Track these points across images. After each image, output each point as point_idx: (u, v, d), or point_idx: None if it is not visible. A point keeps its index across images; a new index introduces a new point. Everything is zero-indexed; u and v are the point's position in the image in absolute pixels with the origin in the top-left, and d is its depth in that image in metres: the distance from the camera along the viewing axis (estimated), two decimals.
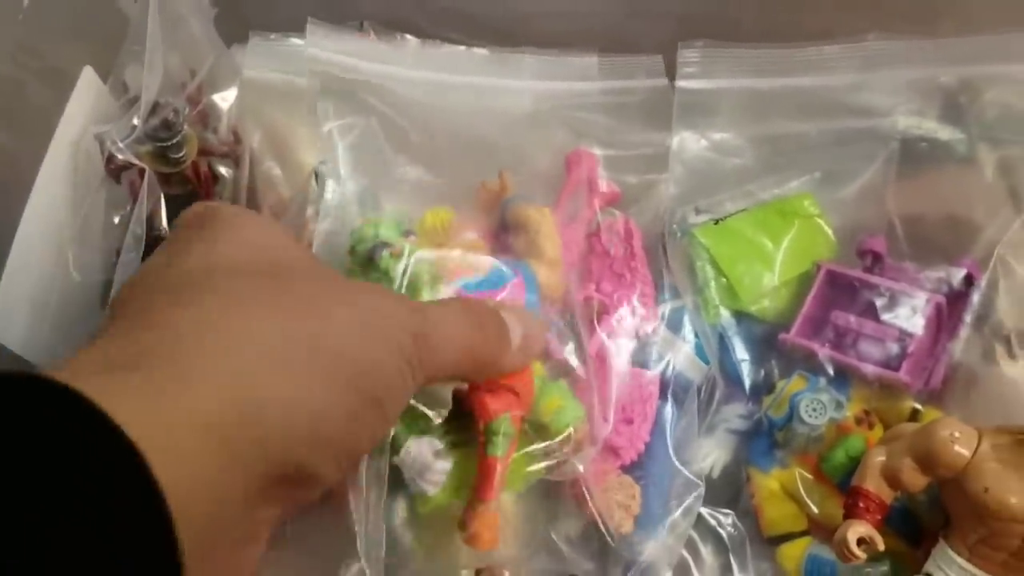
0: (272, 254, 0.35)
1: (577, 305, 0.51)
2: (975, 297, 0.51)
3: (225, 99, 0.57)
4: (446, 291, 0.44)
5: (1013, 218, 0.53)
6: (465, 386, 0.42)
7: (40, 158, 0.54)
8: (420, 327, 0.35)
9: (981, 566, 0.43)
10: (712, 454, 0.53)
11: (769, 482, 0.52)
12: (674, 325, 0.55)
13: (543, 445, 0.44)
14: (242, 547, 0.30)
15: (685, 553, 0.51)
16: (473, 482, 0.42)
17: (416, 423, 0.42)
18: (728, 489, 0.53)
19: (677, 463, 0.52)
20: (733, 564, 0.51)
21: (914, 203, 0.56)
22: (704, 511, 0.52)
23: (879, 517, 0.46)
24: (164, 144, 0.54)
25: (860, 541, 0.44)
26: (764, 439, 0.52)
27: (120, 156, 0.53)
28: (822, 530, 0.50)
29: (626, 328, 0.53)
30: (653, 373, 0.53)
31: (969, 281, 0.51)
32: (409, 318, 0.35)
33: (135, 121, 0.54)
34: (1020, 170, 0.54)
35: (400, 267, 0.44)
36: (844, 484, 0.48)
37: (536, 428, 0.44)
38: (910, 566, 0.47)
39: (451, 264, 0.46)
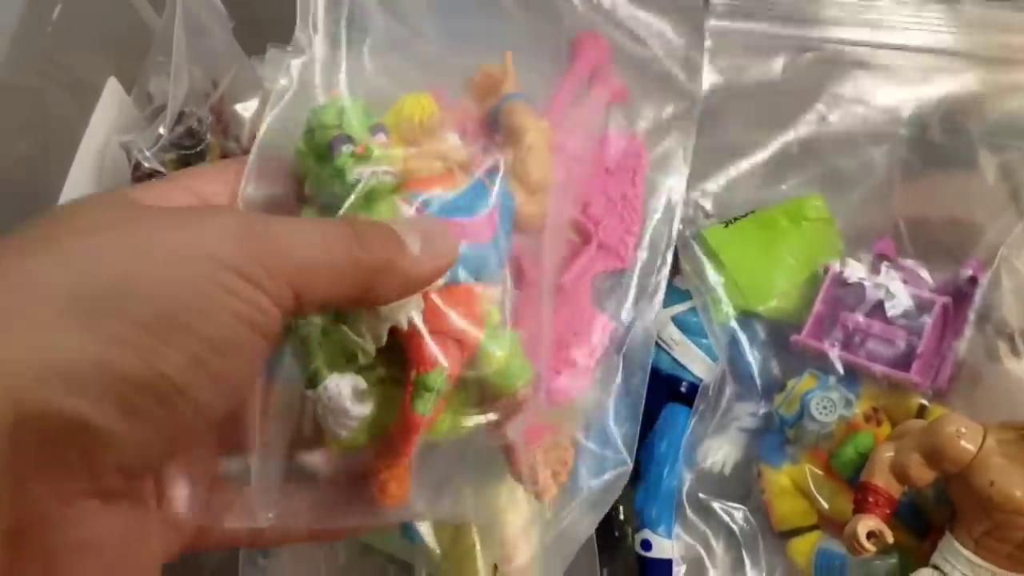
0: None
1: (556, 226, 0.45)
2: (979, 297, 0.52)
3: (247, 109, 0.59)
4: (404, 208, 0.38)
5: (1016, 220, 0.54)
6: (405, 324, 0.37)
7: (66, 167, 0.55)
8: (253, 247, 0.31)
9: (987, 558, 0.44)
10: (724, 451, 0.55)
11: (780, 478, 0.53)
12: (684, 325, 0.57)
13: (478, 410, 0.40)
14: (37, 533, 0.28)
15: (698, 547, 0.53)
16: (391, 428, 0.38)
17: (341, 357, 0.38)
18: (740, 485, 0.55)
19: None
20: (745, 558, 0.53)
21: (919, 206, 0.58)
22: (717, 506, 0.53)
23: (888, 511, 0.47)
24: (188, 152, 0.56)
25: (870, 534, 0.46)
26: (775, 436, 0.54)
27: (147, 164, 0.54)
28: (832, 525, 0.52)
29: (597, 265, 0.48)
30: (606, 318, 0.47)
31: (973, 281, 0.52)
32: (233, 238, 0.31)
33: (161, 130, 0.55)
34: (1021, 173, 0.56)
35: (358, 172, 0.37)
36: (853, 480, 0.50)
37: (475, 382, 0.39)
38: (918, 559, 0.48)
39: (419, 171, 0.39)
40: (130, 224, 0.30)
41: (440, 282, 0.37)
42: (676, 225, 0.51)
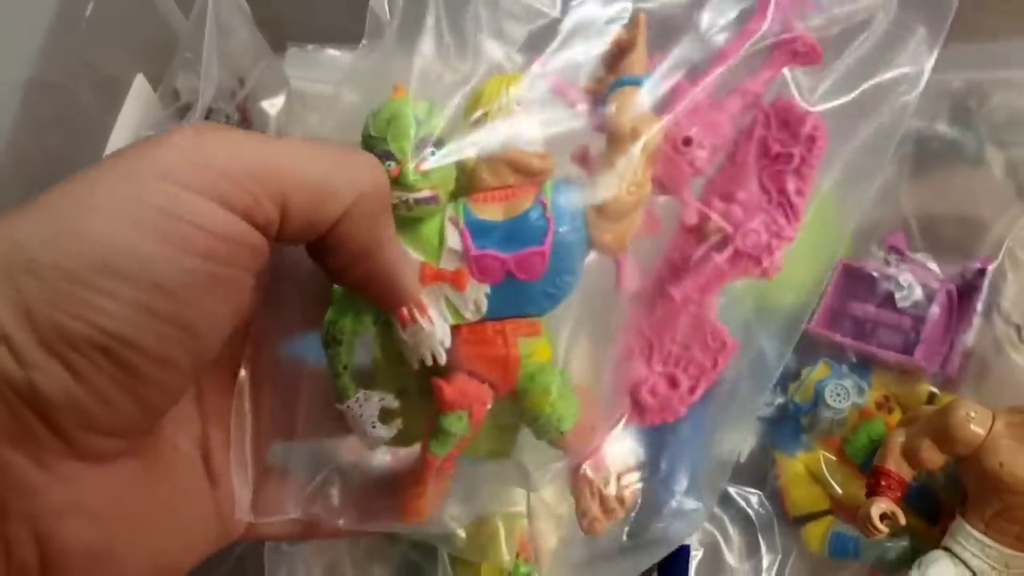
0: None
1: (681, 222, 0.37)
2: (986, 288, 0.54)
3: (273, 106, 0.60)
4: (451, 231, 0.34)
5: (1021, 215, 0.56)
6: (428, 360, 0.34)
7: (95, 162, 0.57)
8: (212, 155, 0.28)
9: (997, 539, 0.46)
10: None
11: (794, 464, 0.55)
12: None
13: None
14: (18, 499, 0.27)
15: (715, 532, 0.54)
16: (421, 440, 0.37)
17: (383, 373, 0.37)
18: (755, 472, 0.56)
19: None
20: (761, 542, 0.54)
21: (927, 201, 0.59)
22: (733, 491, 0.55)
23: (899, 495, 0.48)
24: None
25: (883, 517, 0.47)
26: (789, 424, 0.55)
27: None
28: (845, 509, 0.53)
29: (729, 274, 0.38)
30: (733, 338, 0.38)
31: (982, 273, 0.54)
32: (186, 149, 0.27)
33: None
34: None
35: (395, 195, 0.33)
36: (866, 466, 0.51)
37: (518, 414, 0.37)
38: (929, 542, 0.49)
39: (486, 181, 0.34)
40: (79, 175, 0.27)
41: (469, 318, 0.34)
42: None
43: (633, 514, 0.40)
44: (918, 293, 0.54)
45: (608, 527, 0.38)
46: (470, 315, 0.34)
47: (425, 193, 0.33)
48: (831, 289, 0.56)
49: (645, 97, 0.34)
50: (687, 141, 0.34)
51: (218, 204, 0.27)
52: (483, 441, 0.38)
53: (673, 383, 0.38)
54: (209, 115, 0.56)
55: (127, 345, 0.26)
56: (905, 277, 0.54)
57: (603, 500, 0.37)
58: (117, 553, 0.30)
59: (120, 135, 0.58)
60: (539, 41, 0.37)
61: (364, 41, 0.38)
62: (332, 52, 0.68)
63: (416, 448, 0.37)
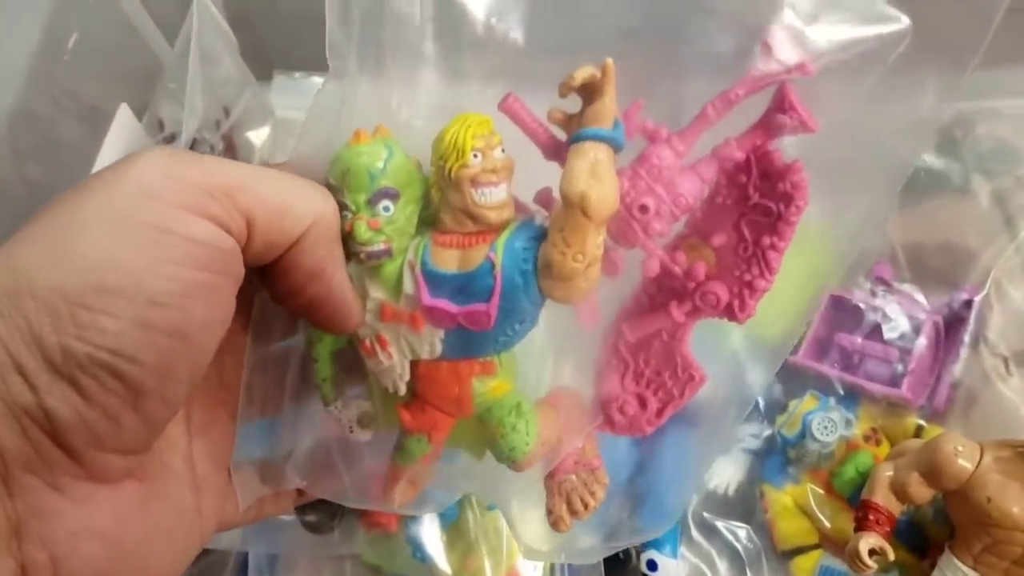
0: None
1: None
2: (973, 320, 0.54)
3: (258, 136, 0.60)
4: (408, 278, 0.34)
5: (1007, 245, 0.56)
6: (390, 388, 0.36)
7: None
8: (186, 170, 0.29)
9: (986, 574, 0.46)
10: (728, 472, 0.56)
11: (782, 498, 0.54)
12: None
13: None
14: (36, 524, 0.28)
15: (703, 566, 0.54)
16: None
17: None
18: (743, 505, 0.56)
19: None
20: None
21: (914, 231, 0.59)
22: (720, 525, 0.54)
23: (888, 529, 0.48)
24: None
25: (871, 551, 0.47)
26: (777, 457, 0.55)
27: None
28: (833, 543, 0.53)
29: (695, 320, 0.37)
30: (702, 372, 0.38)
31: (969, 305, 0.54)
32: (162, 166, 0.29)
33: None
34: (1012, 199, 0.57)
35: (351, 245, 0.34)
36: (854, 499, 0.51)
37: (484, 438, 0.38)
38: None
39: (447, 225, 0.34)
40: (65, 196, 0.28)
41: (425, 357, 0.35)
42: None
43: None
44: (905, 324, 0.54)
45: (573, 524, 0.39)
46: (425, 355, 0.35)
47: (377, 247, 0.33)
48: (818, 320, 0.56)
49: (605, 156, 0.32)
50: (643, 208, 0.33)
51: (197, 215, 0.29)
52: (463, 437, 0.39)
53: (643, 404, 0.39)
54: (194, 145, 0.56)
55: (129, 360, 0.27)
56: (892, 308, 0.54)
57: (569, 501, 0.38)
58: (119, 574, 0.31)
59: (104, 165, 0.58)
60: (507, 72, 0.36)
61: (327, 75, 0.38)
62: (318, 80, 0.68)
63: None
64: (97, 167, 0.57)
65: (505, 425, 0.36)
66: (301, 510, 0.54)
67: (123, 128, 0.59)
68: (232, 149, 0.61)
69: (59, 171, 0.58)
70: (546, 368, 0.40)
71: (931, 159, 0.60)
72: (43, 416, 0.27)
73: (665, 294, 0.37)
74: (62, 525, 0.28)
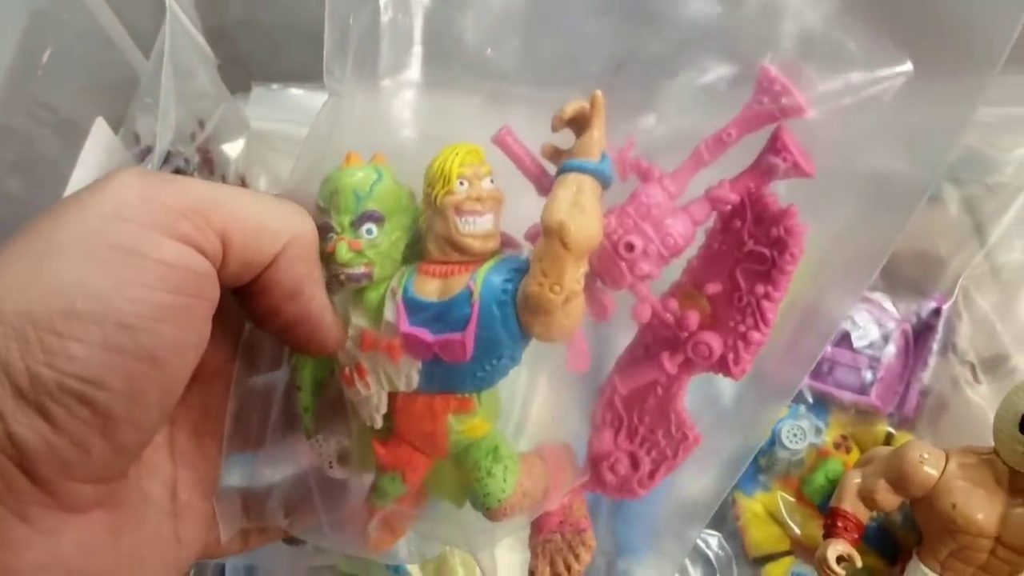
0: None
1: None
2: (942, 327, 0.54)
3: (233, 148, 0.60)
4: (389, 304, 0.34)
5: (976, 252, 0.56)
6: (367, 422, 0.35)
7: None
8: (158, 191, 0.29)
9: None
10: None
11: (753, 505, 0.55)
12: None
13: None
14: (2, 555, 0.27)
15: (675, 574, 0.54)
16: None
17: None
18: (714, 513, 0.56)
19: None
20: None
21: None
22: None
23: (857, 536, 0.48)
24: None
25: (839, 558, 0.47)
26: (748, 465, 0.55)
27: None
28: (804, 550, 0.53)
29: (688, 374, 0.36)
30: (696, 432, 0.36)
31: (938, 313, 0.54)
32: (135, 187, 0.29)
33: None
34: (982, 207, 0.57)
35: (332, 267, 0.34)
36: (824, 506, 0.51)
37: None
38: None
39: (433, 254, 0.34)
40: (39, 220, 0.28)
41: (402, 389, 0.34)
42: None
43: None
44: (874, 332, 0.54)
45: None
46: (402, 387, 0.34)
47: (357, 270, 0.34)
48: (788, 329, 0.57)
49: (589, 187, 0.31)
50: (629, 247, 0.32)
51: (170, 236, 0.28)
52: (444, 484, 0.38)
53: (635, 464, 0.37)
54: (168, 158, 0.56)
55: (97, 386, 0.27)
56: (861, 316, 0.54)
57: (552, 563, 0.38)
58: None
59: (80, 178, 0.58)
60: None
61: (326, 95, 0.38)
62: (296, 91, 0.68)
63: None
64: (74, 180, 0.57)
65: (481, 469, 0.35)
66: None
67: (99, 141, 0.59)
68: (209, 162, 0.61)
69: (36, 185, 0.58)
70: (530, 413, 0.38)
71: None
72: (9, 444, 0.26)
73: (659, 344, 0.36)
74: (29, 557, 0.28)
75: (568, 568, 0.37)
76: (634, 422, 0.37)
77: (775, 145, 0.32)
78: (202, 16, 0.66)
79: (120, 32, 0.64)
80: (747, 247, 0.33)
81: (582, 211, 0.30)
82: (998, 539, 0.44)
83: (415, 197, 0.35)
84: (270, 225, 0.31)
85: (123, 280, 0.27)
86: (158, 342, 0.28)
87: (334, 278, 0.34)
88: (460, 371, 0.34)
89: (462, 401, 0.35)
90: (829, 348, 0.55)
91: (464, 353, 0.33)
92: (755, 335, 0.33)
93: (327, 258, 0.33)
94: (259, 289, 0.32)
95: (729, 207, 0.34)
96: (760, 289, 0.33)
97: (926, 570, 0.46)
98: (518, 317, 0.32)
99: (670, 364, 0.35)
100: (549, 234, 0.30)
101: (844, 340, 0.55)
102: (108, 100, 0.62)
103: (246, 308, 0.33)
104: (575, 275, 0.31)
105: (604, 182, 0.32)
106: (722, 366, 0.34)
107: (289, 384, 0.38)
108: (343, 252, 0.33)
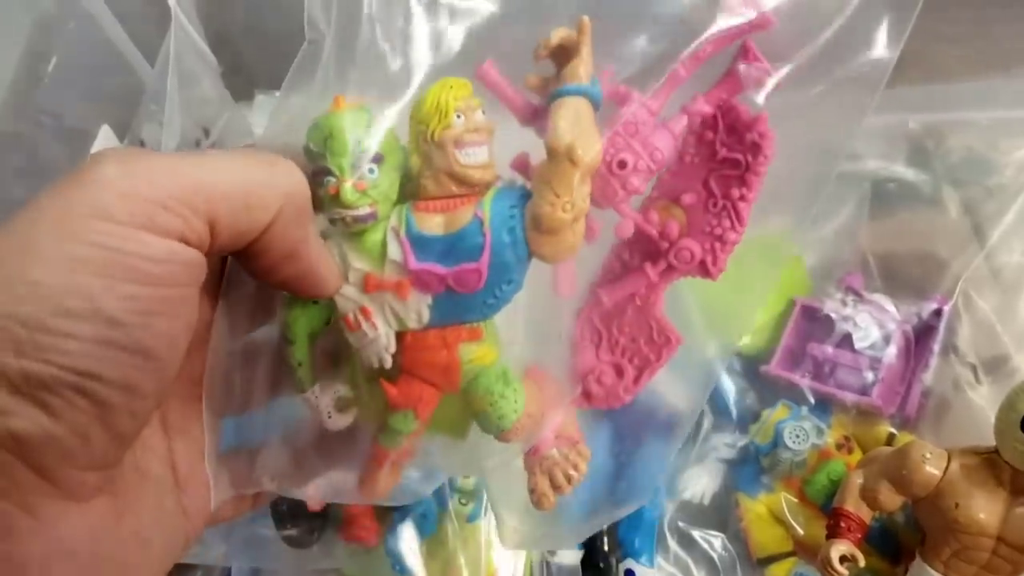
0: None
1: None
2: (943, 329, 0.54)
3: None
4: (392, 243, 0.34)
5: (976, 253, 0.56)
6: (375, 364, 0.35)
7: None
8: (137, 184, 0.28)
9: None
10: (702, 481, 0.56)
11: (757, 507, 0.55)
12: None
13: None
14: (6, 546, 0.27)
15: (679, 575, 0.54)
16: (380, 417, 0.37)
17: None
18: (718, 514, 0.56)
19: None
20: None
21: (886, 241, 0.60)
22: (696, 535, 0.55)
23: (859, 536, 0.49)
24: None
25: (842, 559, 0.47)
26: (751, 467, 0.55)
27: None
28: (808, 551, 0.53)
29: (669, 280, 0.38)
30: (678, 334, 0.39)
31: (938, 314, 0.55)
32: (113, 183, 0.28)
33: None
34: (982, 209, 0.58)
35: (335, 211, 0.33)
36: (827, 506, 0.52)
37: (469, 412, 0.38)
38: None
39: (429, 190, 0.34)
40: (17, 221, 0.28)
41: (412, 326, 0.35)
42: None
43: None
44: (875, 334, 0.54)
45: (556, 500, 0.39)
46: (412, 324, 0.35)
47: (363, 211, 0.33)
48: (790, 330, 0.57)
49: (585, 109, 0.33)
50: (622, 164, 0.34)
51: (150, 232, 0.28)
52: (443, 420, 0.38)
53: (619, 372, 0.39)
54: None
55: (94, 379, 0.27)
56: (862, 318, 0.55)
57: (551, 476, 0.38)
58: None
59: None
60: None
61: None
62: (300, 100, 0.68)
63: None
64: None
65: (494, 393, 0.36)
66: (282, 525, 0.55)
67: (104, 148, 0.60)
68: None
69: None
70: (519, 340, 0.39)
71: (903, 170, 0.61)
72: (11, 438, 0.27)
73: (639, 257, 0.38)
74: (36, 547, 0.28)
75: (568, 479, 0.38)
76: (614, 335, 0.39)
77: (745, 55, 0.35)
78: (206, 24, 0.66)
79: (125, 40, 0.64)
80: (720, 155, 0.36)
81: (585, 131, 0.32)
82: (1000, 538, 0.45)
83: (399, 138, 0.35)
84: (260, 195, 0.31)
85: (110, 278, 0.27)
86: (150, 335, 0.29)
87: (338, 221, 0.34)
88: (471, 300, 0.34)
89: (472, 331, 0.36)
90: (831, 349, 0.55)
91: (479, 281, 0.34)
92: (731, 235, 0.36)
93: (327, 202, 0.33)
94: (255, 252, 0.32)
95: (700, 120, 0.36)
96: (736, 192, 0.36)
97: (930, 570, 0.47)
98: (526, 240, 0.34)
99: (653, 272, 0.37)
100: (556, 156, 0.32)
101: (846, 342, 0.55)
102: (113, 108, 0.62)
103: (243, 264, 0.33)
104: (583, 193, 0.32)
105: (596, 104, 0.33)
106: (701, 269, 0.37)
107: (279, 342, 0.38)
108: (349, 194, 0.33)
